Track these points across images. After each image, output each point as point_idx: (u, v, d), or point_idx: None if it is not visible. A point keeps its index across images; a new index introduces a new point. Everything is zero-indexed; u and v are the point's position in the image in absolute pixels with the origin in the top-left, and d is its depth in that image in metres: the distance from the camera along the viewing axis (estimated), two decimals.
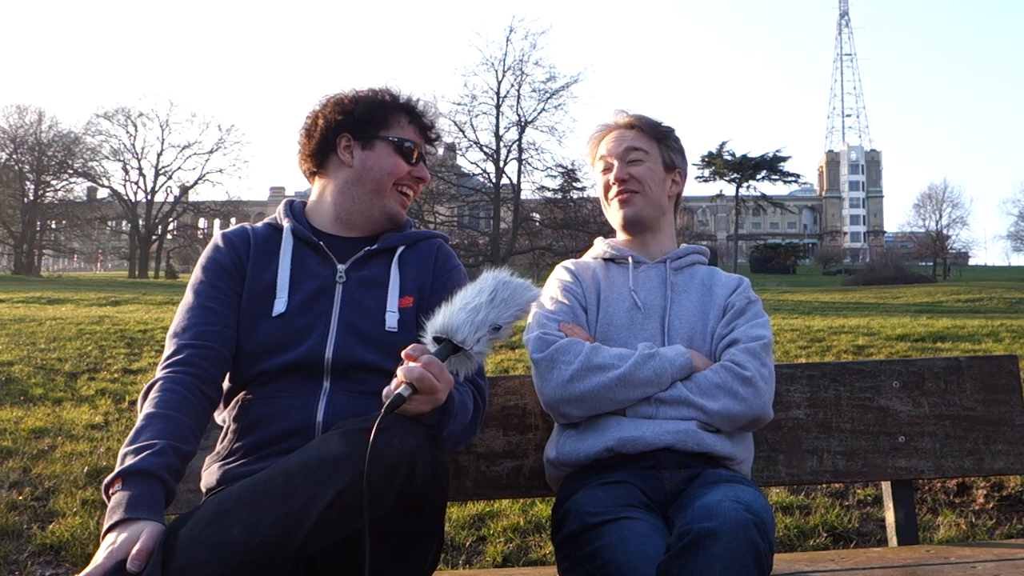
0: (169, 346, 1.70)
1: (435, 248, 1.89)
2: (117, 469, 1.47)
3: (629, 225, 2.07)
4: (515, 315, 1.54)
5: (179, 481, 1.52)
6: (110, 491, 1.45)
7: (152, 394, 1.61)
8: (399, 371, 1.43)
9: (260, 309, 1.74)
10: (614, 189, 2.06)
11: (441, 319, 1.48)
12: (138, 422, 1.56)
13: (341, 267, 1.80)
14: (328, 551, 1.38)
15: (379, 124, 1.86)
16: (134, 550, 1.32)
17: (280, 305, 1.73)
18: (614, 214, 2.09)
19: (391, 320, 1.75)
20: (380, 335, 1.73)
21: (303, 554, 1.31)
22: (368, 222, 1.86)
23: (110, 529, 1.38)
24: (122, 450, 1.51)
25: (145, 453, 1.47)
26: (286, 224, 1.85)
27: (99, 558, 1.33)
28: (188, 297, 1.77)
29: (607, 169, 2.09)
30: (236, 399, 1.74)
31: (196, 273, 1.81)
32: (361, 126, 1.85)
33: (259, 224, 1.91)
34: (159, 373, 1.66)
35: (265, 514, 1.30)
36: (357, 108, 1.86)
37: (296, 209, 1.91)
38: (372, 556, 1.34)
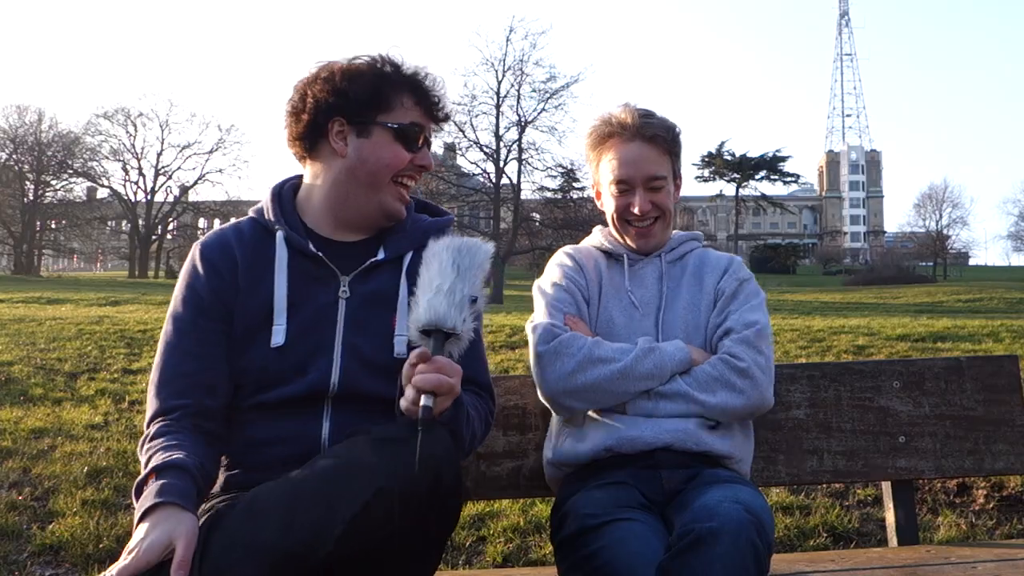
0: (153, 402, 1.58)
1: None
2: (147, 470, 1.45)
3: (643, 251, 2.01)
4: (482, 279, 1.51)
5: (208, 487, 1.51)
6: (144, 488, 1.42)
7: (149, 441, 1.52)
8: (415, 380, 1.39)
9: (256, 336, 1.59)
10: (633, 217, 1.96)
11: (423, 311, 1.43)
12: (145, 460, 1.49)
13: (344, 279, 1.64)
14: (352, 559, 1.35)
15: (378, 106, 1.63)
16: (176, 559, 1.30)
17: (278, 336, 1.58)
18: (628, 239, 2.00)
19: (400, 345, 1.61)
20: (388, 362, 1.60)
21: (333, 558, 1.30)
22: (364, 220, 1.69)
23: (143, 517, 1.37)
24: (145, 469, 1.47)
25: (172, 456, 1.45)
26: (279, 233, 1.65)
27: (129, 553, 1.32)
28: (169, 333, 1.61)
29: (624, 192, 1.95)
30: (232, 421, 1.62)
31: (176, 303, 1.63)
32: (357, 109, 1.62)
33: (244, 221, 1.71)
34: (147, 431, 1.56)
35: (296, 517, 1.31)
36: (352, 88, 1.61)
37: (286, 203, 1.70)
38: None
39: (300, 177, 1.75)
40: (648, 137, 1.93)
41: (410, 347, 1.56)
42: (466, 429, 1.58)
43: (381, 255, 1.67)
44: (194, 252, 1.67)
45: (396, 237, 1.70)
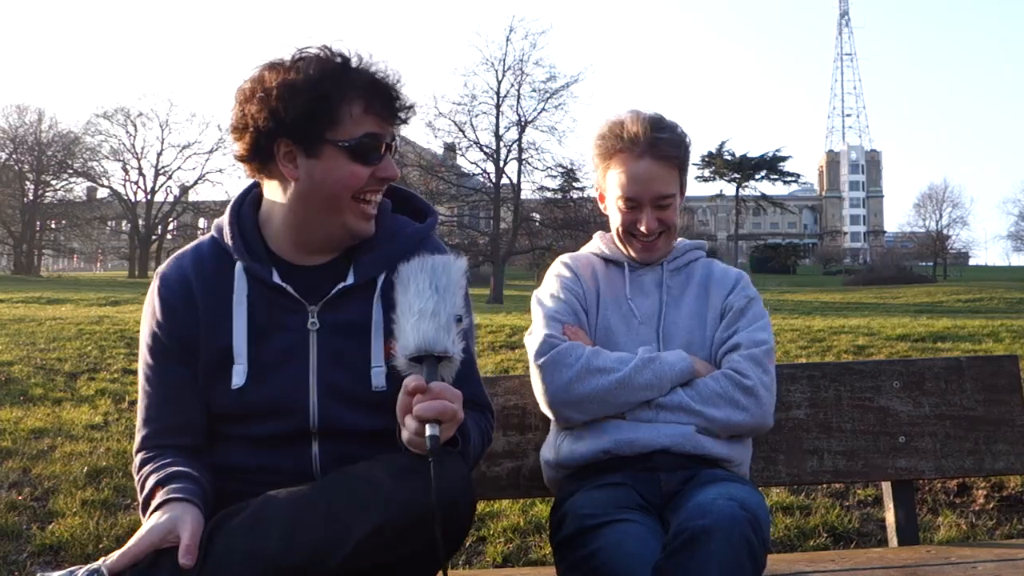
0: (138, 436, 1.56)
1: None
2: (152, 485, 1.44)
3: (646, 263, 1.99)
4: (463, 297, 1.44)
5: (212, 501, 1.48)
6: (151, 501, 1.42)
7: (141, 468, 1.51)
8: (416, 411, 1.31)
9: (221, 375, 1.51)
10: (640, 234, 1.92)
11: (411, 338, 1.35)
12: (142, 481, 1.48)
13: (312, 308, 1.53)
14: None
15: (325, 122, 1.44)
16: (182, 545, 1.30)
17: (238, 378, 1.49)
18: (632, 251, 1.97)
19: (377, 378, 1.52)
20: (367, 395, 1.52)
21: (333, 574, 1.29)
22: (328, 242, 1.56)
23: (151, 514, 1.38)
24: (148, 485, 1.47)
25: (175, 468, 1.45)
26: (238, 264, 1.53)
27: (133, 540, 1.32)
28: (142, 380, 1.57)
29: (631, 209, 1.91)
30: (218, 447, 1.56)
31: (144, 345, 1.57)
32: (300, 129, 1.44)
33: (205, 242, 1.60)
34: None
35: (302, 533, 1.30)
36: (290, 107, 1.42)
37: (247, 223, 1.57)
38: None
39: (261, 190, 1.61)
40: (659, 155, 1.89)
41: (390, 377, 1.50)
42: (472, 449, 1.56)
43: (351, 279, 1.55)
44: (153, 288, 1.57)
45: (366, 257, 1.56)
